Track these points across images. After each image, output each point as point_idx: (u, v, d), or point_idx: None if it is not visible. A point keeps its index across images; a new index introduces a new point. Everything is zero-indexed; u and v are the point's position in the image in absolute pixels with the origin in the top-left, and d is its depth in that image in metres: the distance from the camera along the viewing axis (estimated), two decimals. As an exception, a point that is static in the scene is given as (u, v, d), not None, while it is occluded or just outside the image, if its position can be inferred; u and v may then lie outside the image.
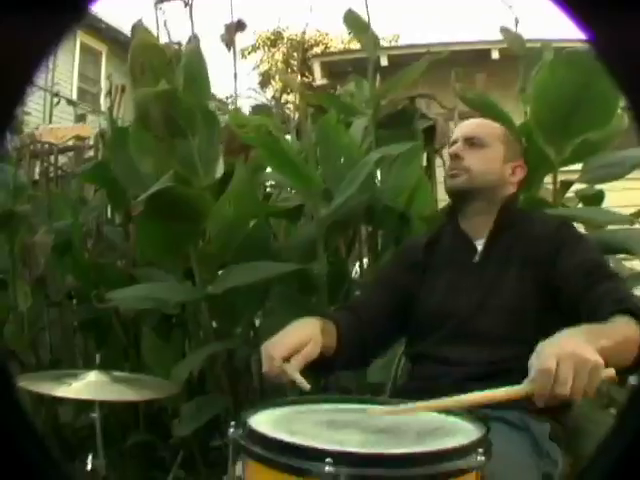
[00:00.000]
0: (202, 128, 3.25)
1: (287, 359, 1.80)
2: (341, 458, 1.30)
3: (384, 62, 6.55)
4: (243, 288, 3.08)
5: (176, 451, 3.56)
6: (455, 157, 2.21)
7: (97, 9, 12.72)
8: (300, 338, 1.87)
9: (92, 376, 2.47)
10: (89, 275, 3.91)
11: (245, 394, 3.67)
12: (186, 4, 3.97)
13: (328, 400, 1.81)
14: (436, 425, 1.57)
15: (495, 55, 8.82)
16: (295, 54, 19.42)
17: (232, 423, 1.52)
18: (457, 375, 1.95)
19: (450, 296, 2.14)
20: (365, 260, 3.59)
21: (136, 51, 3.37)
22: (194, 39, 3.64)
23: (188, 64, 3.41)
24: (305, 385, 1.78)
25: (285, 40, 21.97)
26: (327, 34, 21.83)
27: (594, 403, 2.53)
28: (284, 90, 6.56)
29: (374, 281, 2.48)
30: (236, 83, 3.83)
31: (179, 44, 3.70)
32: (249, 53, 22.31)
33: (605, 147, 3.02)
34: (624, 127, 2.94)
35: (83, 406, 3.86)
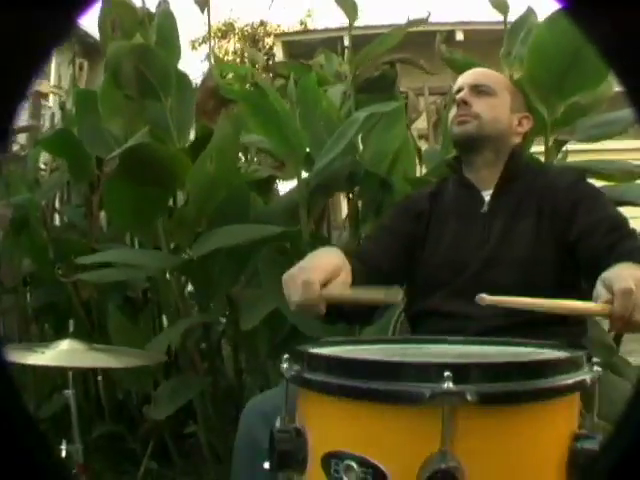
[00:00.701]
0: (175, 89, 3.09)
1: (324, 285, 1.60)
2: (465, 372, 1.13)
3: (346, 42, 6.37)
4: (221, 255, 2.92)
5: (146, 442, 3.37)
6: (463, 103, 2.07)
7: None
8: (335, 263, 1.69)
9: (65, 344, 2.18)
10: (47, 255, 3.70)
11: (223, 375, 3.49)
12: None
13: (382, 341, 1.69)
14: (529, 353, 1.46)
15: (460, 37, 8.85)
16: (247, 44, 19.07)
17: (285, 357, 1.30)
18: (469, 330, 1.80)
19: (458, 248, 2.01)
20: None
21: (107, 9, 3.19)
22: (164, 2, 3.48)
23: (160, 24, 3.27)
24: (393, 294, 1.62)
25: (237, 31, 21.60)
26: (279, 25, 21.54)
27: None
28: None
29: (377, 230, 2.29)
30: (210, 46, 3.64)
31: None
32: (199, 44, 21.88)
33: (594, 111, 2.93)
34: (612, 92, 2.87)
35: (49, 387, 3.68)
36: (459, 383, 1.08)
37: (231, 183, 3.00)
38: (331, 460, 1.18)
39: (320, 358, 1.28)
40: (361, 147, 3.21)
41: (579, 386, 1.22)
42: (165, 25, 3.26)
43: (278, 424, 1.30)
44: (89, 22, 3.84)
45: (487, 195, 2.05)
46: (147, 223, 3.11)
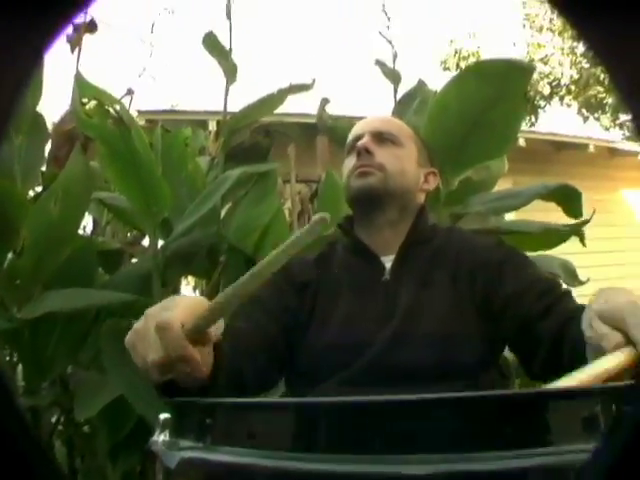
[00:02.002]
0: (27, 130, 2.74)
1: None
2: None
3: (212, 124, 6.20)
4: (58, 325, 2.51)
5: None
6: (365, 152, 1.78)
7: None
8: (194, 301, 1.22)
9: None
10: None
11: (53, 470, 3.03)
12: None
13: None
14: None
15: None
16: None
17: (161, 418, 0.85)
18: None
19: (354, 325, 1.66)
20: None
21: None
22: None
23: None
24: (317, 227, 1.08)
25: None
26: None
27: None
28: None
29: (248, 305, 1.70)
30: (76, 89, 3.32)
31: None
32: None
33: (486, 189, 2.82)
34: (505, 170, 2.76)
35: None
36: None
37: (76, 242, 2.61)
38: None
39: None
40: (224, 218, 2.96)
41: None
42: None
43: None
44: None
45: (388, 261, 1.74)
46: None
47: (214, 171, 3.09)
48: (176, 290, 3.17)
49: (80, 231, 3.04)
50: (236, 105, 3.23)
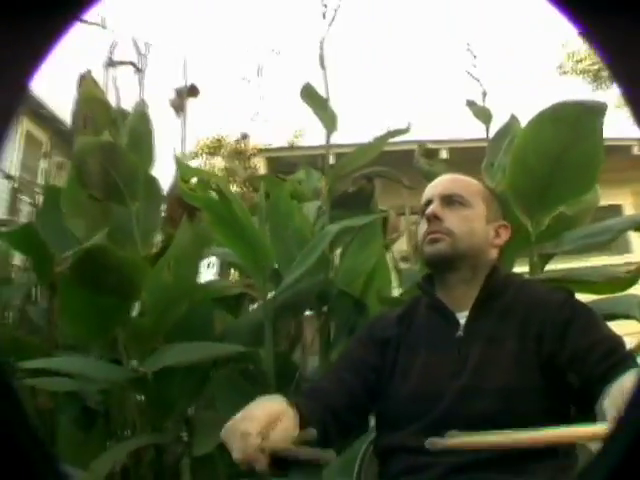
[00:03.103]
0: (143, 194, 2.96)
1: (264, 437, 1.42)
2: None
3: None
4: (179, 372, 2.70)
5: None
6: (434, 218, 1.87)
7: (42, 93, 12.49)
8: (272, 411, 1.50)
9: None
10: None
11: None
12: (137, 69, 3.76)
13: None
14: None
15: (444, 155, 8.60)
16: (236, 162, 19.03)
17: None
18: (444, 465, 1.59)
19: (430, 378, 1.78)
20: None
21: (81, 102, 3.10)
22: (142, 104, 3.40)
23: (134, 125, 3.17)
24: (328, 456, 1.39)
25: (226, 147, 21.52)
26: (270, 145, 21.49)
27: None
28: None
29: (337, 362, 2.03)
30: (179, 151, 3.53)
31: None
32: (190, 159, 21.84)
33: (580, 222, 2.80)
34: (598, 202, 2.74)
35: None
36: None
37: (192, 295, 2.80)
38: None
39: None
40: (335, 265, 3.08)
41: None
42: (139, 126, 3.16)
43: None
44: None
45: (462, 317, 1.83)
46: (102, 333, 2.89)
47: (321, 219, 3.21)
48: (299, 334, 3.33)
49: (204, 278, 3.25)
50: (341, 138, 3.32)
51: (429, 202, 1.92)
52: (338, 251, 3.21)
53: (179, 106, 3.42)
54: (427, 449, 1.50)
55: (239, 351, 2.60)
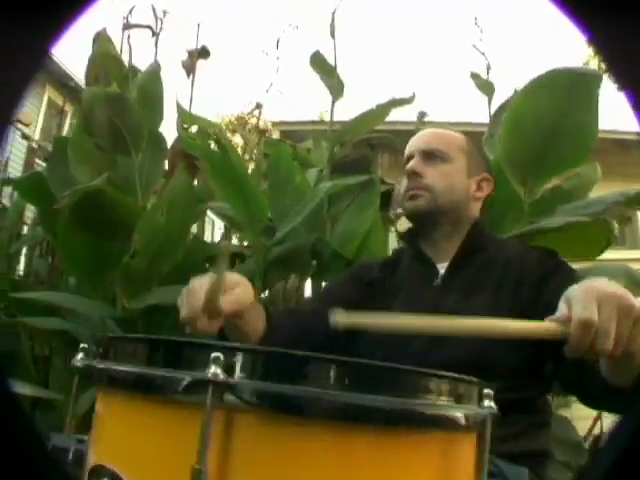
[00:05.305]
0: (147, 147, 3.03)
1: (213, 303, 1.40)
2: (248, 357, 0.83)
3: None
4: (169, 315, 2.75)
5: None
6: (413, 174, 1.89)
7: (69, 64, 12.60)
8: (229, 278, 1.48)
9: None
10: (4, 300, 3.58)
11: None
12: (153, 33, 3.83)
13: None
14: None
15: None
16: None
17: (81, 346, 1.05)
18: None
19: None
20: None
21: (94, 58, 3.17)
22: (156, 64, 3.47)
23: (145, 82, 3.24)
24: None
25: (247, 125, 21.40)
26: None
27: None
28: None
29: (319, 293, 2.10)
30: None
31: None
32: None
33: (579, 197, 2.80)
34: (599, 176, 2.77)
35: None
36: (233, 372, 0.80)
37: (185, 242, 2.89)
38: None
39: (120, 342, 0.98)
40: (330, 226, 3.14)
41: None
42: (149, 84, 3.23)
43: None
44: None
45: (442, 268, 1.87)
46: (98, 275, 2.97)
47: (322, 183, 3.27)
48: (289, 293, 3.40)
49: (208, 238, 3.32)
50: (341, 115, 3.39)
51: (410, 157, 1.94)
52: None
53: (190, 67, 3.50)
54: None
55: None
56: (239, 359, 0.81)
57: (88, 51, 3.34)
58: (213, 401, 0.77)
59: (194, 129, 3.39)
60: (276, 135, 8.55)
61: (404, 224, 2.19)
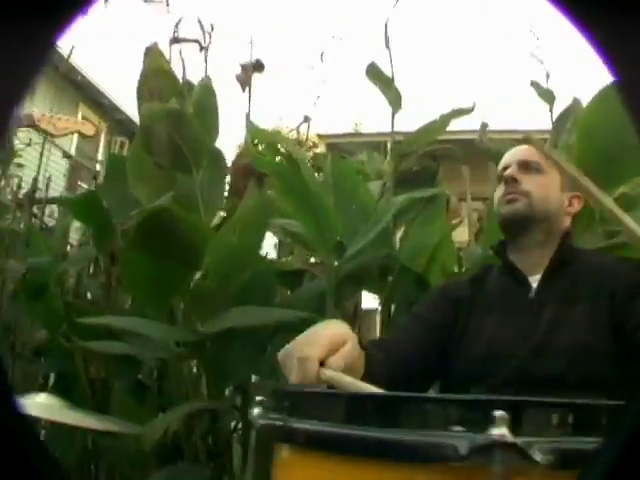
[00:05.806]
0: (208, 164, 2.96)
1: (322, 362, 1.35)
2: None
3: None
4: (239, 338, 2.71)
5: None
6: (512, 180, 1.93)
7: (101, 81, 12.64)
8: (336, 334, 1.43)
9: (42, 397, 1.94)
10: (61, 325, 3.51)
11: (225, 469, 3.22)
12: (202, 48, 3.77)
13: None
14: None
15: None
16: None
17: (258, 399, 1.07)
18: None
19: (502, 338, 1.80)
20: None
21: (147, 74, 3.10)
22: (207, 78, 3.40)
23: (199, 97, 3.17)
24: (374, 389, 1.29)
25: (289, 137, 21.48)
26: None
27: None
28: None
29: (408, 318, 2.08)
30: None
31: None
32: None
33: None
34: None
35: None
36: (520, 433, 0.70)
37: (255, 263, 2.81)
38: None
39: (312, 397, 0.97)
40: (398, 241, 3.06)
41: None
42: (204, 98, 3.17)
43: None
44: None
45: (535, 280, 1.87)
46: (163, 299, 2.88)
47: (386, 195, 3.19)
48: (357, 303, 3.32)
49: (263, 253, 3.26)
50: (403, 125, 3.31)
51: (506, 167, 1.98)
52: (402, 229, 3.19)
53: (245, 81, 3.43)
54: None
55: (300, 317, 2.57)
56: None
57: (122, 68, 3.29)
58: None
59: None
60: (322, 148, 8.55)
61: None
